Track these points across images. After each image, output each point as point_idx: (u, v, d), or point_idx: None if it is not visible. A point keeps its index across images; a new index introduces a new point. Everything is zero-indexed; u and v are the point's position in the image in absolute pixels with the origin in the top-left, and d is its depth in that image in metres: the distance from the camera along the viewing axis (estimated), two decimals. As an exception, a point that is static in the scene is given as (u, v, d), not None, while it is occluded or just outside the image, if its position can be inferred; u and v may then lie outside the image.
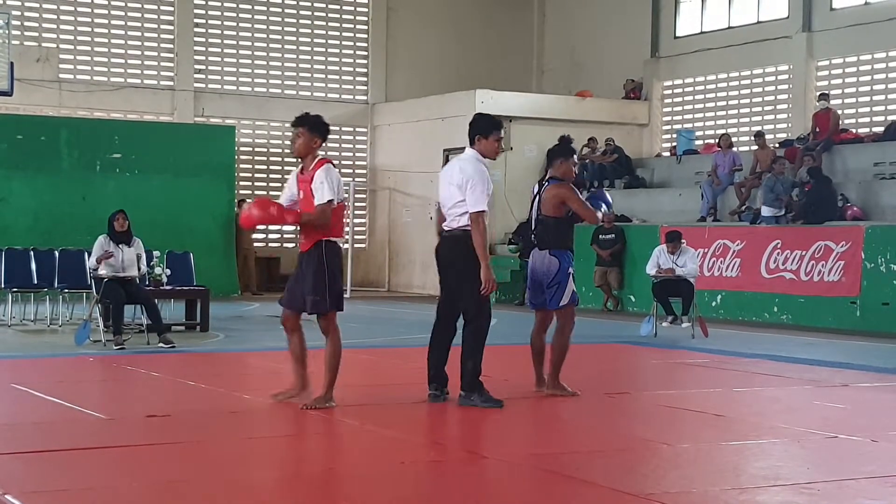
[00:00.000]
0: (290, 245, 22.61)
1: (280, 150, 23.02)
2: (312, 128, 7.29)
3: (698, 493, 5.20)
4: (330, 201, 7.05)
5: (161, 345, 10.93)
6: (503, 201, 21.05)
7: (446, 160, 22.00)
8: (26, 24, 20.57)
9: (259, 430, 6.75)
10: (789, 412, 7.79)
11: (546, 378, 8.11)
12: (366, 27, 23.84)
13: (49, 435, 6.38)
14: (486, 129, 7.70)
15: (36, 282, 13.47)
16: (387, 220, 23.32)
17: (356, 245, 22.80)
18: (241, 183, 22.15)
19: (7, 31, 16.37)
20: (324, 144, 7.43)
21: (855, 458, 6.15)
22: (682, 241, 13.63)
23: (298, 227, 7.41)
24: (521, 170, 21.51)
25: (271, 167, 22.97)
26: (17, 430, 6.52)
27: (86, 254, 13.01)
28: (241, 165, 22.14)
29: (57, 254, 13.63)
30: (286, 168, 23.06)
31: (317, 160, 7.29)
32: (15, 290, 13.40)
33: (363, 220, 23.71)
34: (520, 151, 21.49)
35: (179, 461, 5.78)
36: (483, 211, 7.33)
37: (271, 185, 23.01)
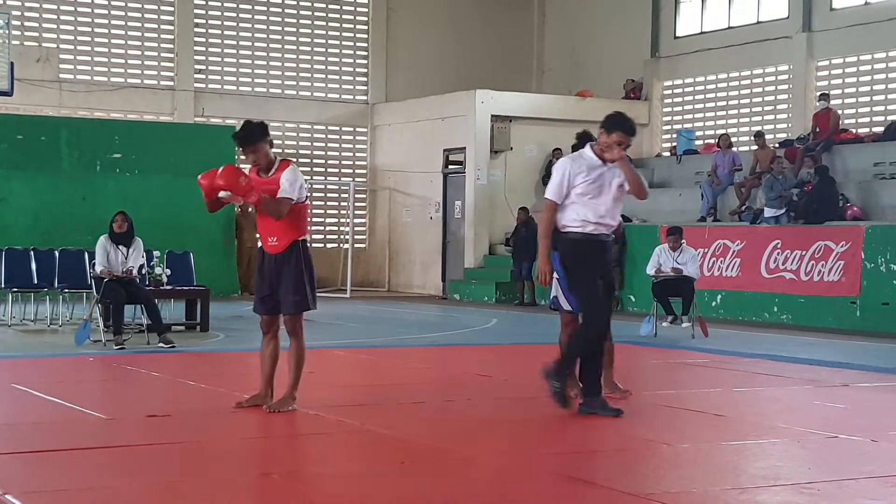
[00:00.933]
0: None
1: (280, 151, 22.99)
2: (261, 138, 7.07)
3: (698, 493, 5.20)
4: (290, 199, 6.95)
5: (161, 345, 10.93)
6: (503, 201, 21.06)
7: (446, 160, 22.04)
8: (26, 24, 20.57)
9: (259, 430, 6.75)
10: (789, 412, 7.79)
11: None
12: (366, 27, 23.84)
13: (49, 435, 6.38)
14: (606, 125, 7.25)
15: (36, 282, 13.47)
16: (387, 220, 23.31)
17: (356, 245, 22.80)
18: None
19: (7, 32, 16.39)
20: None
21: (855, 458, 6.15)
22: (682, 239, 13.62)
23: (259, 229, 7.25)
24: (521, 170, 21.52)
25: (271, 167, 22.95)
26: (17, 430, 6.52)
27: (86, 254, 13.02)
28: (242, 166, 22.09)
29: (57, 254, 13.63)
30: (286, 168, 23.05)
31: (279, 162, 7.14)
32: (15, 290, 13.40)
33: (363, 220, 23.70)
34: (520, 151, 21.50)
35: (179, 461, 5.78)
36: (549, 199, 7.12)
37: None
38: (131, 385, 8.90)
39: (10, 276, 13.39)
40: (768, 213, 16.69)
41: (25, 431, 6.50)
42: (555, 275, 7.30)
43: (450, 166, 21.92)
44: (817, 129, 18.20)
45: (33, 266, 13.55)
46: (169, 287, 12.70)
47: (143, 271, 12.00)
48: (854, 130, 18.81)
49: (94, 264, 11.60)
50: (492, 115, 21.13)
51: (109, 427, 6.73)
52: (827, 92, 18.92)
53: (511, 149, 21.35)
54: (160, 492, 5.09)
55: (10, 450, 5.92)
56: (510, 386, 8.19)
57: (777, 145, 19.03)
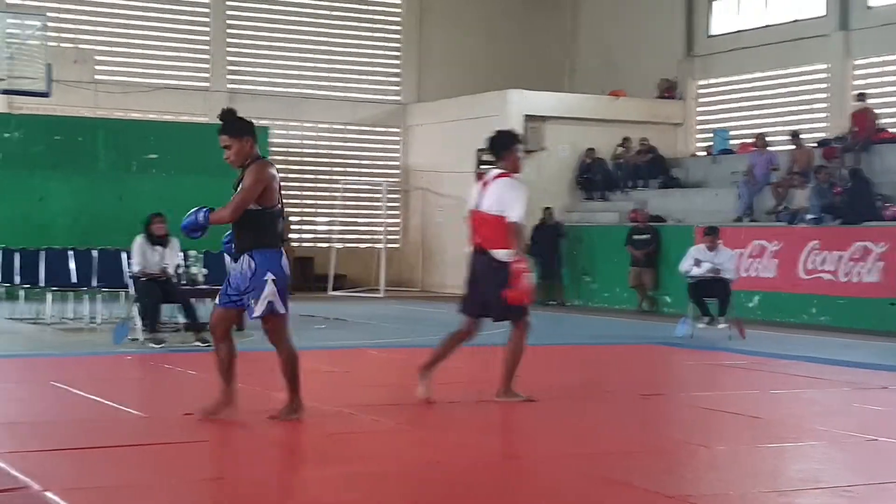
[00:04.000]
0: (324, 245, 22.65)
1: (313, 151, 23.07)
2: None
3: (735, 496, 5.16)
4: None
5: (197, 343, 11.00)
6: (533, 202, 20.97)
7: (479, 160, 21.99)
8: (63, 25, 20.74)
9: (293, 428, 6.77)
10: (828, 414, 7.71)
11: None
12: (398, 27, 23.86)
13: (88, 432, 6.42)
14: None
15: (75, 281, 13.59)
16: (420, 220, 23.33)
17: (389, 245, 22.83)
18: (276, 183, 22.20)
19: (44, 34, 16.53)
20: None
21: (894, 461, 6.08)
22: (719, 239, 13.52)
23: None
24: (554, 170, 21.45)
25: (304, 167, 23.05)
26: (56, 428, 6.58)
27: (123, 254, 13.12)
28: (278, 166, 22.14)
29: (95, 253, 13.74)
30: (319, 168, 23.13)
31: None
32: (54, 289, 13.53)
33: (396, 221, 23.73)
34: (553, 151, 21.44)
35: (216, 459, 5.80)
36: None
37: (304, 185, 23.09)
38: (168, 383, 8.96)
39: (49, 276, 13.53)
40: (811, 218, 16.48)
41: (64, 429, 6.55)
42: (270, 276, 6.43)
43: (482, 166, 21.89)
44: (855, 129, 18.02)
45: (72, 265, 13.68)
46: (205, 286, 12.75)
47: (180, 270, 12.06)
48: (892, 130, 18.60)
49: (131, 264, 11.69)
50: (524, 115, 21.08)
51: (147, 424, 6.78)
52: (864, 91, 18.72)
53: (544, 149, 21.29)
54: (197, 489, 5.11)
55: (49, 447, 5.97)
56: (541, 386, 8.15)
57: (815, 145, 18.85)
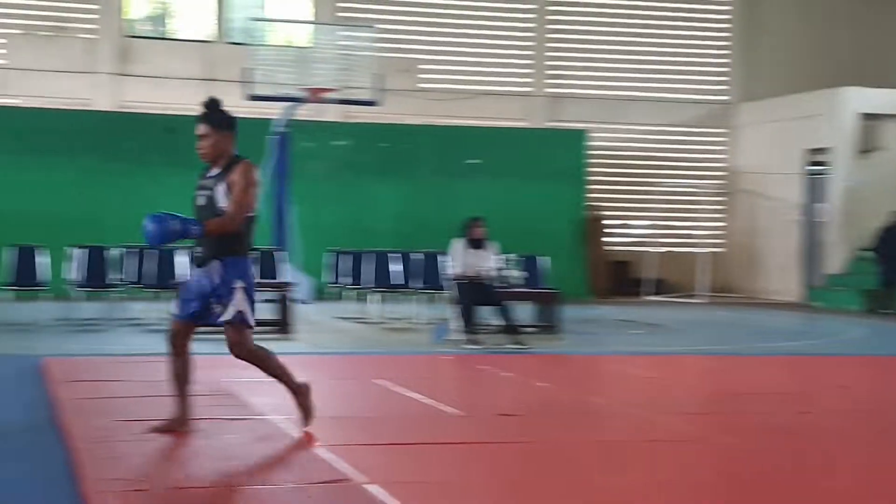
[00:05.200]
0: (640, 249, 22.30)
1: (633, 154, 22.75)
2: None
3: None
4: None
5: (513, 345, 11.08)
6: (872, 204, 19.62)
7: (809, 161, 20.86)
8: (391, 36, 21.67)
9: (610, 433, 6.61)
10: None
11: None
12: (727, 24, 23.06)
13: (408, 428, 6.55)
14: None
15: (399, 282, 14.12)
16: (745, 224, 22.48)
17: (712, 249, 22.15)
18: (595, 187, 22.12)
19: (374, 45, 17.33)
20: None
21: None
22: None
23: None
24: (891, 171, 20.01)
25: (624, 171, 22.78)
26: (378, 423, 6.76)
27: (443, 256, 13.48)
28: (595, 169, 22.10)
29: (417, 256, 14.21)
30: (641, 171, 22.77)
31: None
32: (377, 289, 14.12)
33: (721, 224, 23.00)
34: (893, 151, 20.01)
35: (530, 460, 5.75)
36: None
37: (623, 188, 22.83)
38: (484, 384, 9.06)
39: (376, 277, 14.13)
40: None
41: (386, 424, 6.72)
42: (240, 284, 5.89)
43: (813, 167, 20.81)
44: None
45: (396, 267, 14.24)
46: (521, 289, 12.84)
47: (498, 273, 12.21)
48: None
49: (450, 266, 11.97)
50: (860, 113, 19.81)
51: (463, 423, 6.85)
52: None
53: (882, 148, 19.91)
54: (511, 489, 5.07)
55: (373, 441, 6.14)
56: (878, 400, 7.53)
57: None
